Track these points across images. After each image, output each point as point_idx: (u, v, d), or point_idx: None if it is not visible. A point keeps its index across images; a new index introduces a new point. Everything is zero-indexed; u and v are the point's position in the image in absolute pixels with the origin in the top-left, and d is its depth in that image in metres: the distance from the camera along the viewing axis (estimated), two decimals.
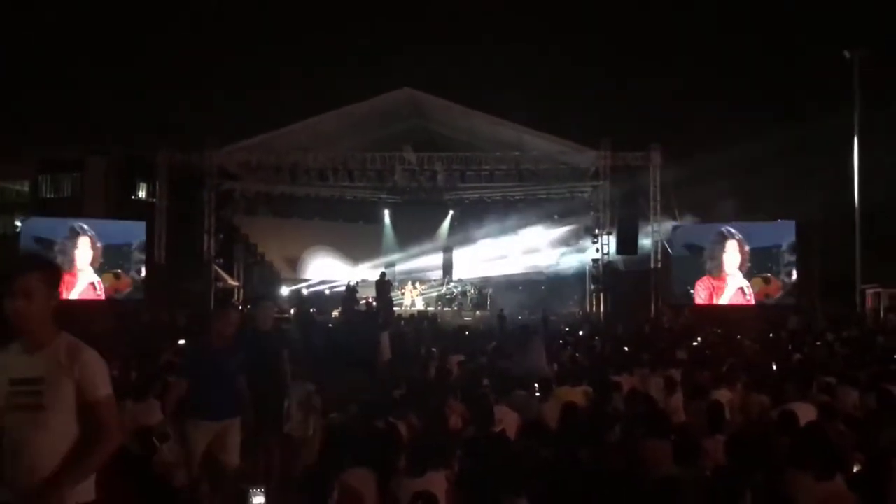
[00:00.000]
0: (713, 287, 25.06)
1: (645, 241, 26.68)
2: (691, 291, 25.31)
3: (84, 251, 25.13)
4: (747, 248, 24.85)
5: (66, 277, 24.12)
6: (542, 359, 12.16)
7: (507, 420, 7.53)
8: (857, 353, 13.61)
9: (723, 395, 8.78)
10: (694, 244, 25.62)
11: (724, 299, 24.99)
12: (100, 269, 25.28)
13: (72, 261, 24.74)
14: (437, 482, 5.37)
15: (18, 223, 29.30)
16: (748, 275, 24.80)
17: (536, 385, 9.38)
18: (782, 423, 6.67)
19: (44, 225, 25.73)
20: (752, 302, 24.65)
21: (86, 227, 25.54)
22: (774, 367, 12.16)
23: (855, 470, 5.73)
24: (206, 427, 6.43)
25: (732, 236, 25.01)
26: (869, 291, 25.58)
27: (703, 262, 25.27)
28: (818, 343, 16.14)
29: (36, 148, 33.04)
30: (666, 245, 26.38)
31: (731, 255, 25.01)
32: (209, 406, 6.43)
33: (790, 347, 15.57)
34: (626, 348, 15.53)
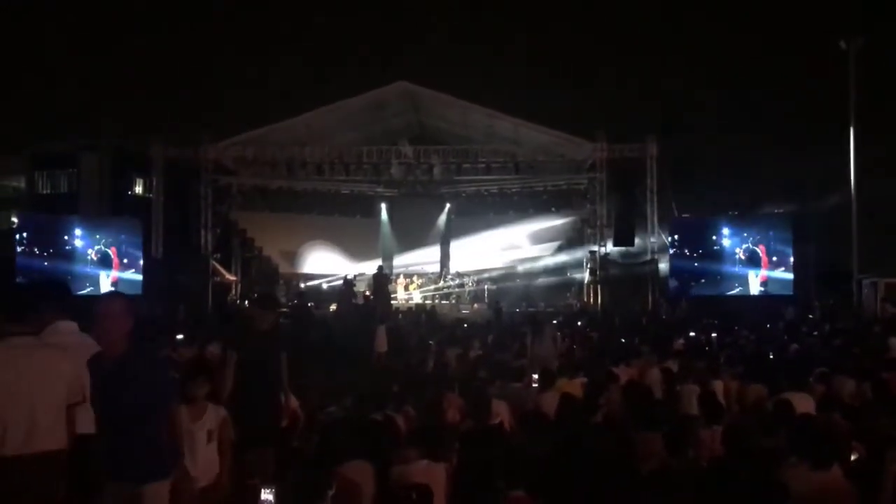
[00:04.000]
0: None
1: (641, 233, 26.69)
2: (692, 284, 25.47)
3: None
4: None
5: None
6: (553, 347, 12.31)
7: (505, 412, 7.55)
8: (853, 343, 13.64)
9: (719, 385, 8.81)
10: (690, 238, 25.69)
11: None
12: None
13: None
14: (437, 473, 5.40)
15: (15, 219, 29.26)
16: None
17: (536, 376, 9.40)
18: (778, 414, 6.68)
19: (39, 221, 25.57)
20: None
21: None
22: (771, 357, 12.18)
23: (852, 459, 5.74)
24: (114, 492, 4.44)
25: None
26: (866, 282, 25.61)
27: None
28: (815, 333, 16.17)
29: (31, 144, 33.04)
30: (663, 237, 26.41)
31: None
32: (116, 459, 4.41)
33: (787, 338, 15.59)
34: (624, 340, 15.54)
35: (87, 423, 4.53)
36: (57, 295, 5.01)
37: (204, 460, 5.55)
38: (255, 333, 7.11)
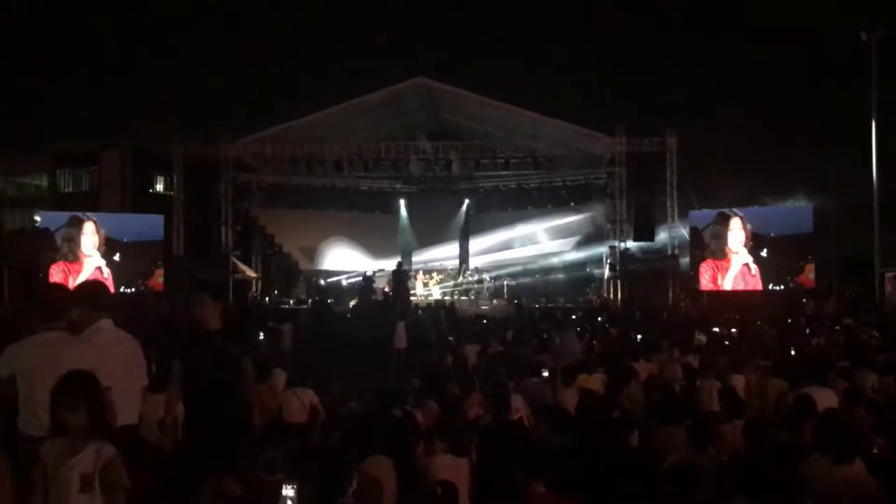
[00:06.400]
0: (716, 268, 24.77)
1: (661, 228, 26.55)
2: (692, 274, 25.18)
3: (88, 237, 24.84)
4: (749, 226, 24.45)
5: (72, 265, 24.18)
6: (578, 343, 12.40)
7: (522, 407, 7.56)
8: (875, 337, 13.55)
9: (739, 380, 8.77)
10: (698, 228, 25.34)
11: (729, 279, 24.67)
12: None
13: (77, 247, 24.61)
14: (461, 468, 5.43)
15: (38, 217, 29.53)
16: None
17: (546, 372, 9.41)
18: (799, 408, 6.65)
19: (59, 219, 25.61)
20: (758, 279, 24.33)
21: (90, 214, 25.50)
22: (793, 352, 12.11)
23: (874, 453, 5.71)
24: None
25: (735, 214, 24.72)
26: (888, 275, 25.38)
27: (705, 243, 25.02)
28: (837, 327, 16.06)
29: (53, 143, 33.30)
30: (683, 231, 26.28)
31: (735, 233, 24.63)
32: None
33: (808, 332, 15.50)
34: (644, 335, 15.48)
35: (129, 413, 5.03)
36: (90, 295, 5.31)
37: None
38: (202, 334, 5.72)
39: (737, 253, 24.49)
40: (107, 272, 24.54)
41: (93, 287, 5.79)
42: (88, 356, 4.78)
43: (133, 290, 24.90)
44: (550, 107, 28.39)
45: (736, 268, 24.51)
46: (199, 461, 5.43)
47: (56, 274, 23.85)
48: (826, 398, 7.08)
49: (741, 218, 24.44)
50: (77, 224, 24.83)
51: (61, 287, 7.13)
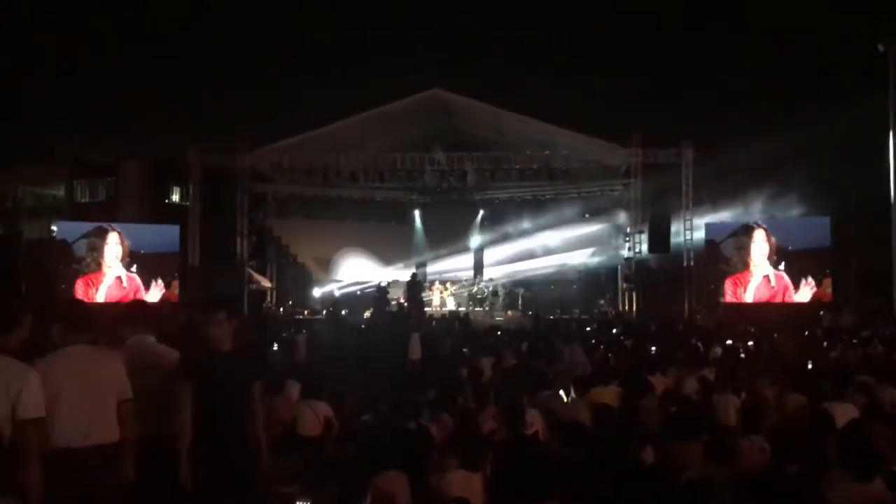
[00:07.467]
0: (738, 282, 24.54)
1: (677, 240, 26.43)
2: (712, 287, 24.94)
3: (112, 247, 24.75)
4: (774, 239, 24.30)
5: (94, 276, 24.26)
6: (583, 355, 12.38)
7: (538, 421, 7.50)
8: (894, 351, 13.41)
9: (754, 394, 8.68)
10: (715, 240, 25.12)
11: (750, 291, 24.43)
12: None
13: (100, 257, 24.58)
14: (474, 483, 5.39)
15: (55, 228, 29.66)
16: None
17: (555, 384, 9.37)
18: (818, 423, 6.57)
19: (76, 229, 25.69)
20: (780, 286, 24.09)
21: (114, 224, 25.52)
22: (810, 366, 12.00)
23: (894, 470, 5.63)
24: None
25: (759, 226, 24.49)
26: None
27: (727, 256, 24.82)
28: (855, 341, 15.91)
29: (71, 153, 33.44)
30: (699, 243, 26.13)
31: (759, 245, 24.34)
32: None
33: (826, 345, 15.36)
34: (659, 347, 15.37)
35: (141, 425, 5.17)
36: (131, 313, 6.02)
37: None
38: (214, 355, 5.50)
39: (757, 265, 24.31)
40: (127, 282, 24.60)
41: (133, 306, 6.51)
42: (113, 369, 5.06)
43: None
44: (566, 117, 28.22)
45: (757, 280, 24.33)
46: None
47: (80, 287, 23.88)
48: (845, 414, 7.00)
49: (765, 230, 24.26)
50: (101, 234, 24.78)
51: (83, 303, 7.65)
